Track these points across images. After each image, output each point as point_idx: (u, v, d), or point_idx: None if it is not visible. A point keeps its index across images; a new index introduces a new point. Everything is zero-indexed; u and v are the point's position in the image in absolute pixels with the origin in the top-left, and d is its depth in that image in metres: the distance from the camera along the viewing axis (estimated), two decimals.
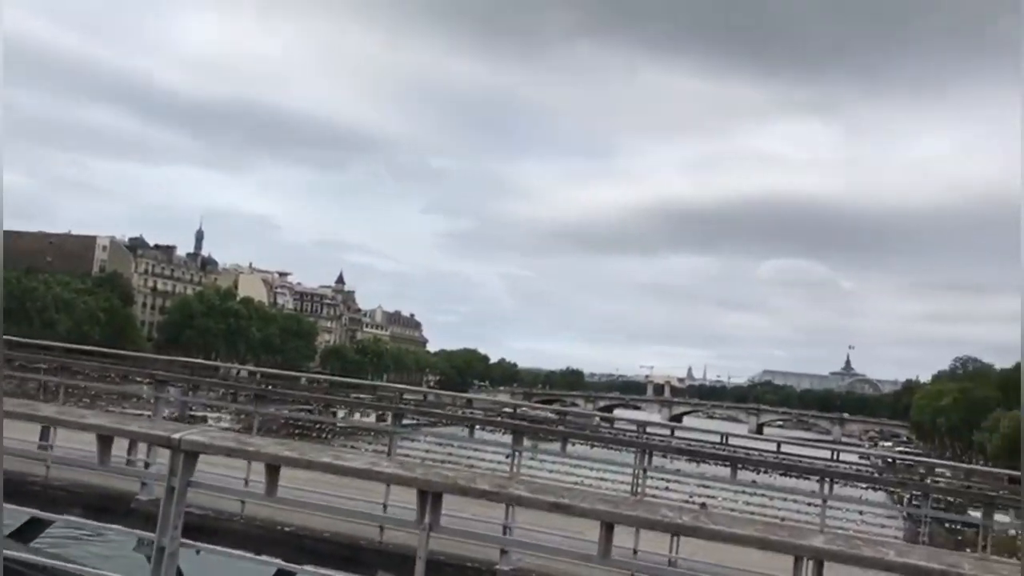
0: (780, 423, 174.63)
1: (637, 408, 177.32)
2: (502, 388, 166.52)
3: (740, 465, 10.89)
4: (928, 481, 12.72)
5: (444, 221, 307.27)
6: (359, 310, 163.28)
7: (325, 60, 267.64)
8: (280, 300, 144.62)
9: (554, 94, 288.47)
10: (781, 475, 10.62)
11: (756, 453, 12.07)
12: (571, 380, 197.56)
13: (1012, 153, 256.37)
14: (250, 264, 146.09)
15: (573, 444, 11.95)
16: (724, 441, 13.00)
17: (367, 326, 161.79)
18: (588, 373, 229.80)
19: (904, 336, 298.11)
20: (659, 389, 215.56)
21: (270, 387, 17.73)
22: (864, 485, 10.37)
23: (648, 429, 13.16)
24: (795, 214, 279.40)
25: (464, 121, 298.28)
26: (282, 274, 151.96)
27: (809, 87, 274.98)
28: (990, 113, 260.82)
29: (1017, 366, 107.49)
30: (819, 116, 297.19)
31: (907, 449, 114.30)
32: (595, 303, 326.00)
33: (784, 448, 13.08)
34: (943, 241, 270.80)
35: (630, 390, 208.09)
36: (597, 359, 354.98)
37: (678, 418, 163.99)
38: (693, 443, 12.37)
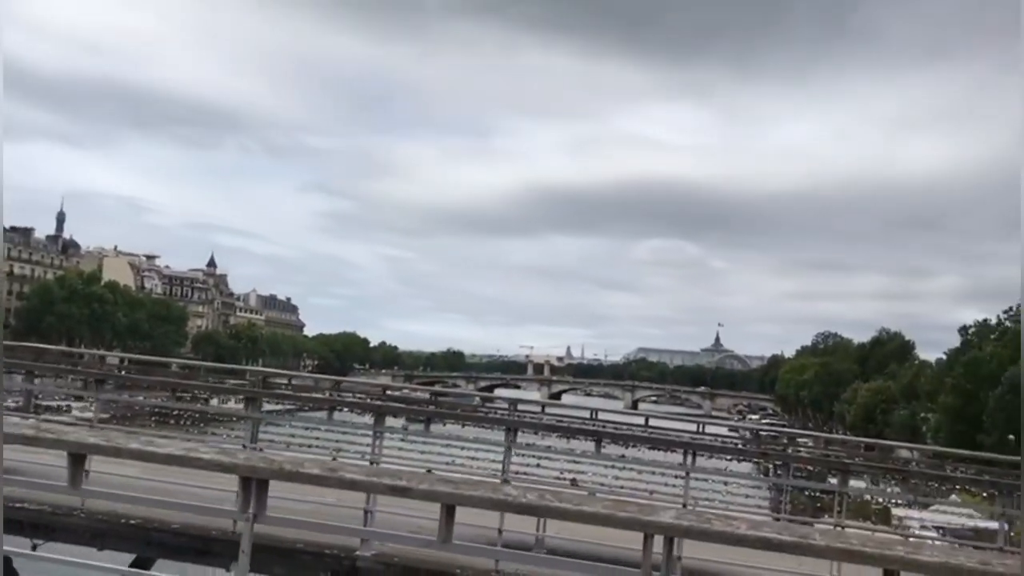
0: (654, 399, 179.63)
1: (517, 387, 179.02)
2: (383, 371, 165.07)
3: (608, 440, 10.84)
4: (789, 451, 13.03)
5: (322, 201, 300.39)
6: (232, 294, 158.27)
7: (198, 35, 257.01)
8: (148, 284, 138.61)
9: (434, 72, 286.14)
10: (649, 448, 10.61)
11: (625, 427, 12.03)
12: (452, 362, 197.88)
13: (871, 137, 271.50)
14: (115, 247, 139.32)
15: (445, 424, 11.67)
16: (593, 417, 12.89)
17: (241, 310, 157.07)
18: (469, 354, 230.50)
19: (771, 313, 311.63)
20: (539, 368, 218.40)
21: (124, 372, 16.71)
22: (729, 457, 10.43)
23: (520, 407, 12.94)
24: (670, 196, 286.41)
25: (342, 99, 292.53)
26: (150, 257, 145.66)
27: (685, 71, 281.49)
28: (851, 98, 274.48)
29: (874, 340, 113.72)
30: (694, 100, 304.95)
31: (773, 421, 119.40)
32: (477, 285, 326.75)
33: (653, 422, 13.11)
34: (808, 222, 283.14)
35: (511, 370, 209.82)
36: (479, 340, 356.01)
37: (557, 396, 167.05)
38: (563, 419, 12.25)
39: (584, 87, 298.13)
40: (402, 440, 10.96)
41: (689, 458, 7.17)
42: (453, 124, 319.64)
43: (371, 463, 9.76)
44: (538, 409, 15.02)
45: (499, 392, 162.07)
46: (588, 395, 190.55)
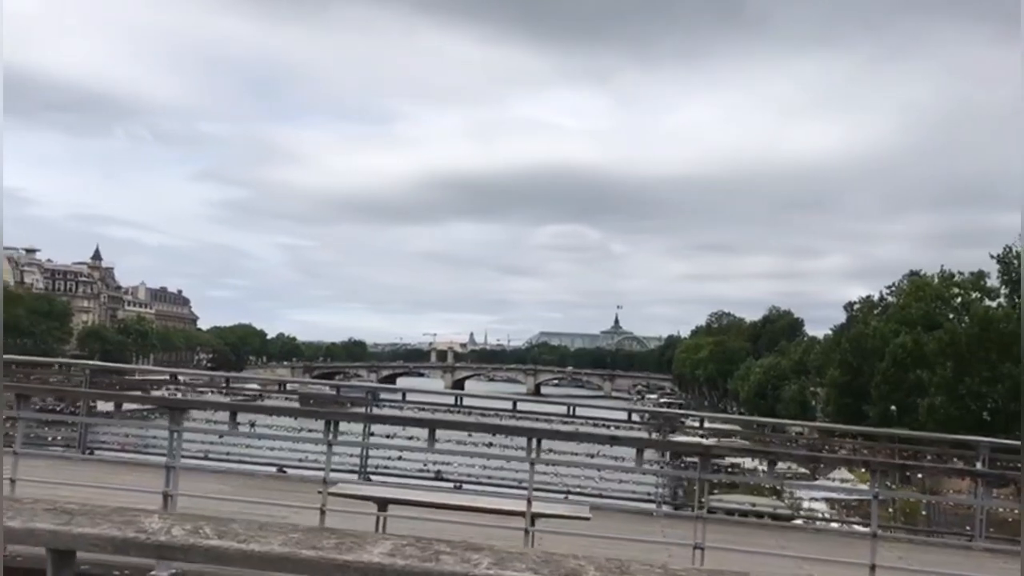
0: (556, 382, 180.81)
1: (421, 375, 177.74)
2: (284, 363, 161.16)
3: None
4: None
5: (216, 190, 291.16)
6: (119, 287, 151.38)
7: (79, 18, 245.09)
8: (28, 279, 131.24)
9: (331, 56, 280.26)
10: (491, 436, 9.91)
11: (492, 413, 11.59)
12: (354, 351, 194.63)
13: (762, 121, 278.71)
14: None
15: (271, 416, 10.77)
16: (459, 403, 12.44)
17: (129, 304, 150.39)
18: (372, 343, 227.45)
19: (667, 295, 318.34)
20: (442, 355, 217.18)
21: None
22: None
23: (381, 395, 12.35)
24: (571, 181, 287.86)
25: (236, 84, 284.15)
26: (29, 251, 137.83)
27: (584, 57, 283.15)
28: (744, 83, 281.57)
29: (764, 319, 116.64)
30: (593, 85, 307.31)
31: (671, 400, 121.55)
32: (378, 273, 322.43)
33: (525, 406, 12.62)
34: (701, 205, 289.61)
35: (414, 358, 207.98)
36: (381, 329, 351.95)
37: (460, 383, 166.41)
38: (426, 407, 11.65)
39: (484, 72, 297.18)
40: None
41: (535, 444, 6.50)
42: (352, 110, 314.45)
43: None
44: (399, 398, 14.24)
45: (402, 381, 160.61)
46: (491, 380, 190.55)
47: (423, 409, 12.49)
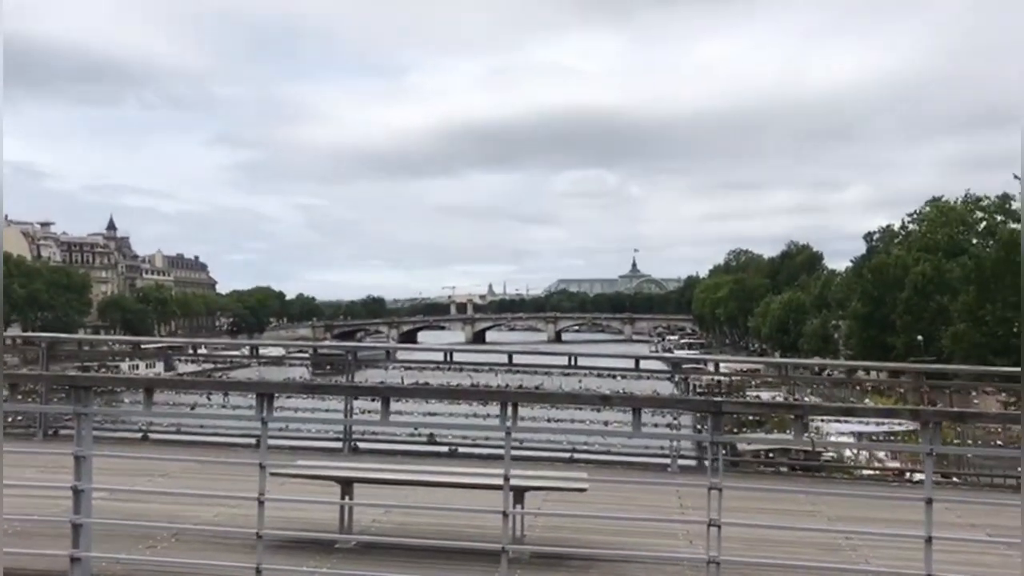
0: (576, 328, 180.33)
1: (441, 328, 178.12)
2: (304, 324, 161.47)
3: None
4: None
5: (231, 153, 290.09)
6: (136, 256, 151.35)
7: None
8: (45, 253, 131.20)
9: (341, 11, 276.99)
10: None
11: (486, 369, 10.76)
12: (373, 309, 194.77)
13: (784, 52, 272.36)
14: (5, 216, 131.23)
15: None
16: (448, 359, 11.49)
17: (146, 273, 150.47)
18: (391, 300, 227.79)
19: (686, 236, 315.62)
20: (462, 308, 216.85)
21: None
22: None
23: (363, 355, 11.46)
24: (588, 125, 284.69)
25: (246, 44, 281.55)
26: (44, 224, 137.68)
27: None
28: (766, 13, 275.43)
29: (783, 254, 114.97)
30: (611, 25, 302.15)
31: (691, 340, 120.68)
32: (396, 228, 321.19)
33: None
34: (722, 142, 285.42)
35: (434, 312, 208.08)
36: (400, 285, 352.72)
37: (481, 334, 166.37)
38: (412, 365, 10.70)
39: (499, 18, 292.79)
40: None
41: (512, 410, 5.45)
42: (366, 64, 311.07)
43: None
44: (409, 357, 13.30)
45: (422, 337, 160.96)
46: (512, 330, 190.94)
47: (408, 368, 11.62)
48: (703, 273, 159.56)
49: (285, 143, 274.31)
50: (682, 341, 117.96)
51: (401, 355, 13.56)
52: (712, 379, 14.45)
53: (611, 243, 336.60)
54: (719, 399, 8.43)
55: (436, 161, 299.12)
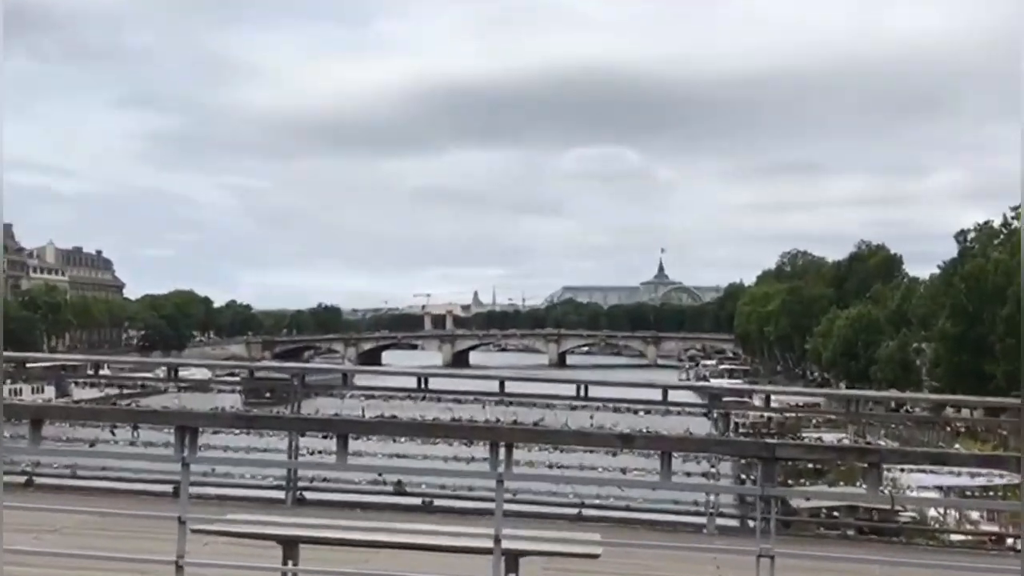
0: (586, 349, 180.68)
1: (413, 347, 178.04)
2: (236, 339, 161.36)
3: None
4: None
5: (146, 119, 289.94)
6: (21, 249, 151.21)
7: None
8: None
9: None
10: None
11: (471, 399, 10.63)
12: (325, 321, 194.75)
13: (862, 3, 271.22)
14: None
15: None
16: (422, 386, 11.52)
17: (34, 270, 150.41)
18: (349, 310, 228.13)
19: (727, 232, 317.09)
20: (439, 322, 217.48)
21: None
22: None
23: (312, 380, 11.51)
24: (603, 89, 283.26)
25: None
26: None
27: None
28: None
29: (852, 257, 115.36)
30: None
31: (733, 366, 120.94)
32: (357, 219, 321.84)
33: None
34: (774, 113, 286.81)
35: (404, 326, 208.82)
36: (361, 291, 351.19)
37: (463, 355, 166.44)
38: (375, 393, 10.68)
39: None
40: None
41: (504, 452, 5.47)
42: (319, 8, 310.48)
43: None
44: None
45: (388, 357, 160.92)
46: (503, 350, 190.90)
47: (371, 397, 11.83)
48: (749, 280, 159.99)
49: (216, 107, 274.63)
50: (721, 367, 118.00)
51: (361, 380, 13.57)
52: (760, 416, 14.50)
53: (632, 240, 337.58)
54: (770, 441, 8.46)
55: (408, 133, 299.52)
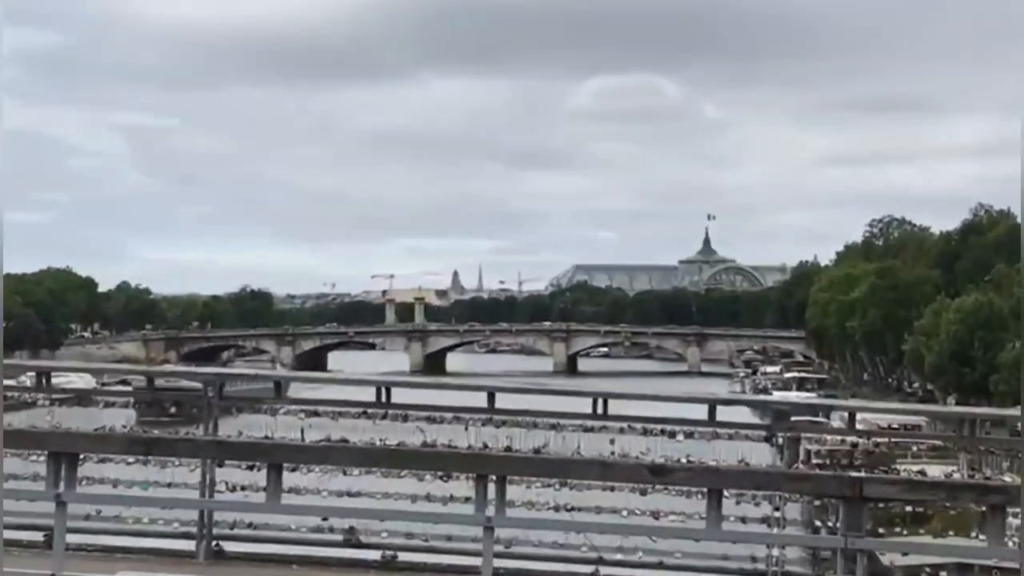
0: (604, 349, 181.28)
1: (371, 347, 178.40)
2: (130, 335, 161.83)
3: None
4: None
5: (13, 36, 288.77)
6: None
7: None
8: None
9: None
10: None
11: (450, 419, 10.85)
12: (251, 310, 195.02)
13: None
14: None
15: None
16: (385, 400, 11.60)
17: None
18: (283, 296, 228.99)
19: (796, 192, 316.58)
20: (406, 312, 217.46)
21: None
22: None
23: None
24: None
25: None
26: None
27: None
28: None
29: (966, 226, 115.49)
30: None
31: (804, 372, 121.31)
32: (293, 171, 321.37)
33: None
34: (861, 32, 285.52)
35: (358, 318, 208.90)
36: (300, 270, 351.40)
37: (438, 358, 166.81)
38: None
39: None
40: None
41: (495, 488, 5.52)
42: None
43: None
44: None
45: (336, 359, 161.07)
46: (492, 351, 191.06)
47: (313, 414, 11.92)
48: (826, 258, 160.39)
49: (98, 19, 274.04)
50: (788, 375, 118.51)
51: (301, 391, 13.62)
52: (841, 441, 14.53)
53: (668, 204, 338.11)
54: (855, 475, 8.49)
55: (364, 56, 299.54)
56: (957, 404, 66.39)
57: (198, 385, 12.57)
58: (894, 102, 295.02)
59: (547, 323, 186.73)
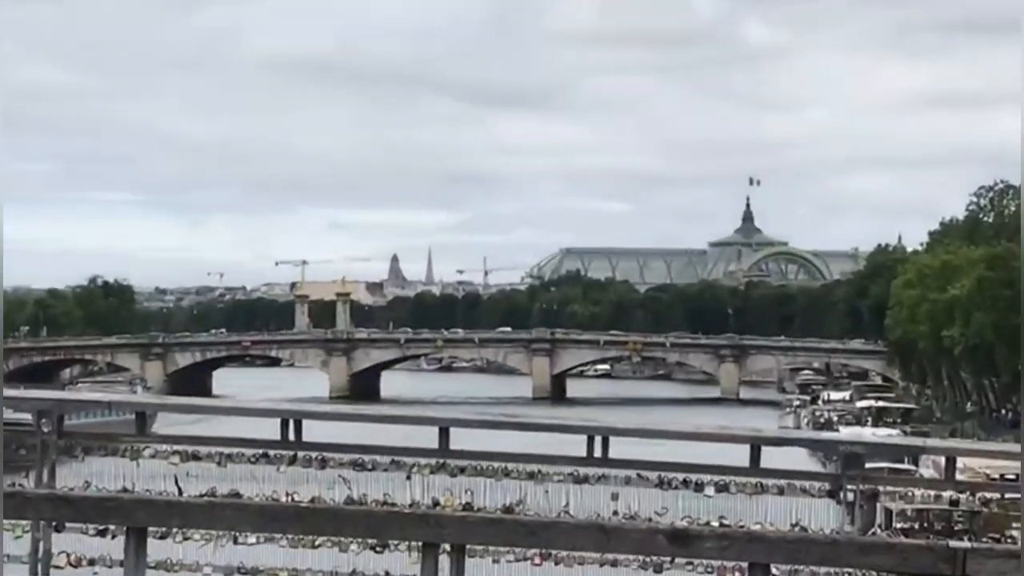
0: (605, 366, 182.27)
1: (274, 363, 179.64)
2: None
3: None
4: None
5: None
6: None
7: None
8: None
9: None
10: None
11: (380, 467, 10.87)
12: (104, 309, 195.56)
13: None
14: None
15: None
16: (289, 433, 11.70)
17: None
18: (153, 289, 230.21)
19: (871, 145, 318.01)
20: (323, 314, 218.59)
21: None
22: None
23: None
24: None
25: None
26: None
27: None
28: None
29: None
30: None
31: (883, 402, 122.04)
32: (167, 115, 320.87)
33: None
34: None
35: (257, 321, 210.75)
36: (175, 254, 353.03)
37: (370, 378, 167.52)
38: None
39: None
40: None
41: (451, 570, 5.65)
42: None
43: None
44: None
45: (223, 380, 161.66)
46: (448, 369, 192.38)
47: (193, 457, 11.74)
48: (914, 240, 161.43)
49: None
50: (861, 404, 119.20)
51: (174, 424, 13.70)
52: (934, 497, 14.70)
53: (695, 163, 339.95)
54: (956, 544, 8.58)
55: None
56: None
57: (27, 417, 12.62)
58: (993, 22, 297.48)
59: (523, 331, 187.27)
